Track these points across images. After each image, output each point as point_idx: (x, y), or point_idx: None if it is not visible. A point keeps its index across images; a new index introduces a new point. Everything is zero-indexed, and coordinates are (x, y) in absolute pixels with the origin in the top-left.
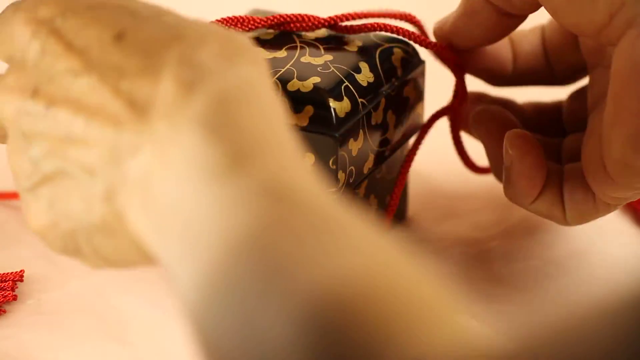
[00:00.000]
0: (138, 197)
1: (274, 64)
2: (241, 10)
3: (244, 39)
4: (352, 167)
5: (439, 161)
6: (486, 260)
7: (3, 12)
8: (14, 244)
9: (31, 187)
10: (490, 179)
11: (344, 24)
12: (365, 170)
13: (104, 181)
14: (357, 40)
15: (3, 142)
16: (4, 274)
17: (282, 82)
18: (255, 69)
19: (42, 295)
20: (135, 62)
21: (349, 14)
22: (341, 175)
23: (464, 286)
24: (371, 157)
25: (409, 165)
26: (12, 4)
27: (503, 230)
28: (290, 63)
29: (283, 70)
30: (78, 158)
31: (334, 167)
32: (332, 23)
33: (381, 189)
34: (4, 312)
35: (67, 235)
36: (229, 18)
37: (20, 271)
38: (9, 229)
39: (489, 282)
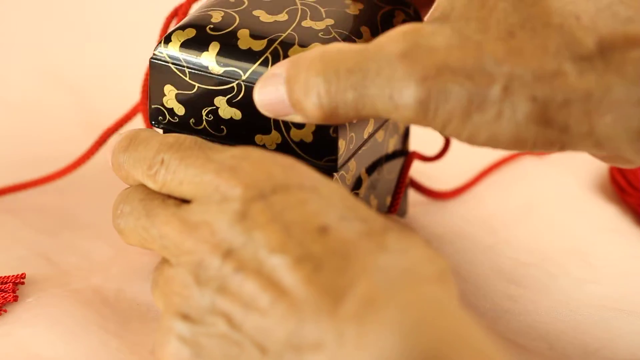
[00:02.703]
0: None
1: (275, 27)
2: None
3: (442, 261)
4: (352, 134)
5: (439, 160)
6: (487, 258)
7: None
8: (14, 244)
9: (188, 332)
10: (490, 177)
11: None
12: (365, 135)
13: None
14: (359, 3)
15: (147, 247)
16: (4, 276)
17: (283, 48)
18: (444, 290)
19: (42, 293)
20: (334, 262)
21: None
22: (342, 143)
23: (466, 284)
24: (371, 122)
25: (410, 166)
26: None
27: (503, 228)
28: (292, 27)
29: (284, 35)
30: (253, 330)
31: (335, 135)
32: None
33: (381, 189)
34: (5, 311)
35: None
36: None
37: (22, 274)
38: (9, 229)
39: (491, 281)
